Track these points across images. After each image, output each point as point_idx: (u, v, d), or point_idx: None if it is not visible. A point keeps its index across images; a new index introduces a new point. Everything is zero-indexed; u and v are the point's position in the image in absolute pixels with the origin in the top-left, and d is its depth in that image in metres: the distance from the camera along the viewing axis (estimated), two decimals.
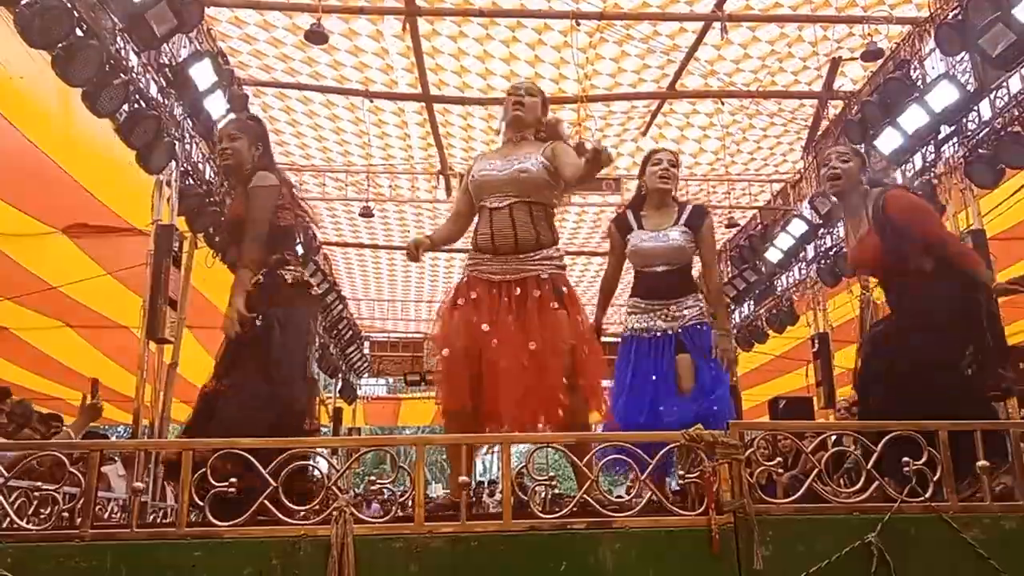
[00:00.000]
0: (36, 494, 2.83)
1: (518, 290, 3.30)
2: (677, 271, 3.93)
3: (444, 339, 3.36)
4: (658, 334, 3.89)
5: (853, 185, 3.71)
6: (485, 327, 3.23)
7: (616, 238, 4.12)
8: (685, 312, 3.87)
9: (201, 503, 2.46)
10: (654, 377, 3.81)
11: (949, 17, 6.36)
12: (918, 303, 3.49)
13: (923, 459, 2.59)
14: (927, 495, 2.56)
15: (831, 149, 3.92)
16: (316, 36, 6.58)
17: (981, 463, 2.61)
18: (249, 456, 2.54)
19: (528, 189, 3.39)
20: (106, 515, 5.69)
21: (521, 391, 3.16)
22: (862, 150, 4.21)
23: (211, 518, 2.44)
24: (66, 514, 2.74)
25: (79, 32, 5.10)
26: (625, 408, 3.79)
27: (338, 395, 14.87)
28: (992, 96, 6.53)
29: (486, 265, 3.38)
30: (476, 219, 3.51)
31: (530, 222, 3.36)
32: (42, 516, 2.90)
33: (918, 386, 3.28)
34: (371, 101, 8.29)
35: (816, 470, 2.60)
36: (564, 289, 3.37)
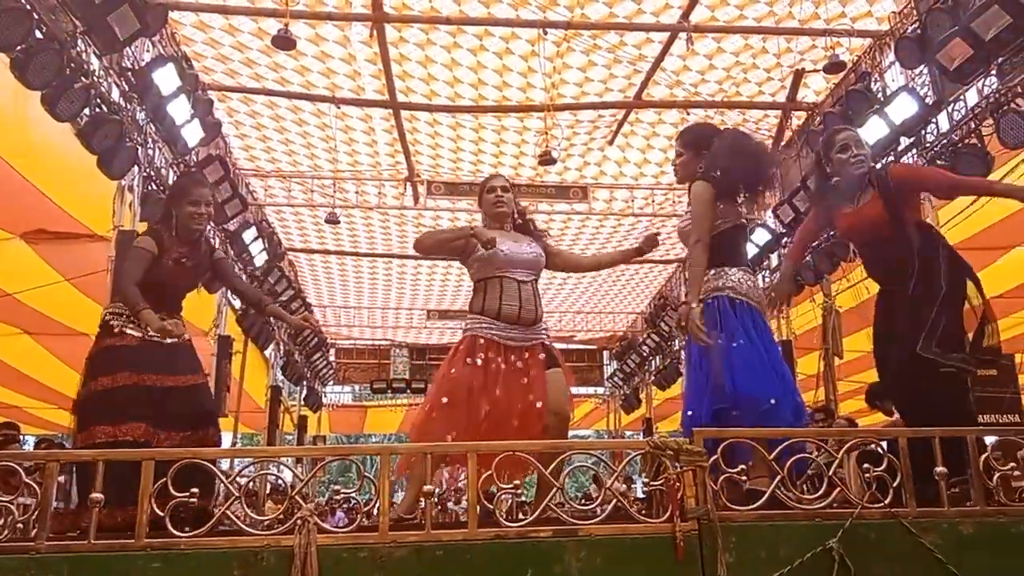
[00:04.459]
0: None
1: (527, 354, 3.76)
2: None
3: (452, 389, 3.65)
4: None
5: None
6: (497, 391, 3.62)
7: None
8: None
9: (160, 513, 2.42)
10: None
11: (909, 31, 6.50)
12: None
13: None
14: (888, 499, 2.60)
15: (847, 134, 3.94)
16: (283, 41, 6.53)
17: (939, 469, 2.67)
18: (212, 466, 2.51)
19: (540, 271, 4.01)
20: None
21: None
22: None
23: (171, 529, 2.40)
24: (20, 526, 2.67)
25: (38, 34, 5.01)
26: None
27: (303, 403, 14.73)
28: (950, 109, 6.67)
29: (503, 332, 3.74)
30: (490, 288, 3.81)
31: (539, 299, 3.91)
32: None
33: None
34: (338, 107, 8.26)
35: (779, 476, 2.62)
36: (555, 352, 3.93)
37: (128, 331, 3.80)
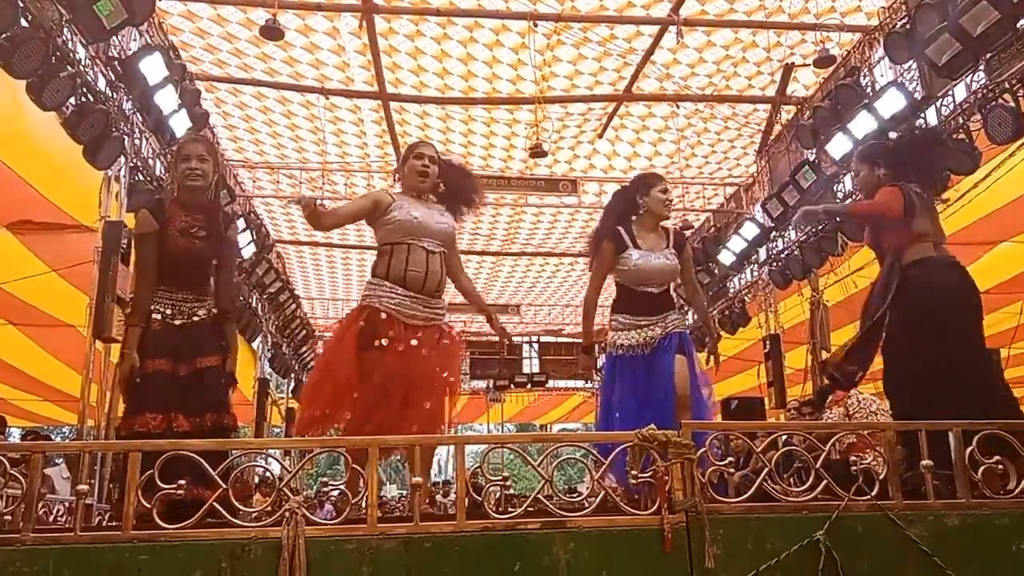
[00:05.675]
0: None
1: (420, 333, 3.62)
2: (667, 290, 4.14)
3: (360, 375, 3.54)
4: (647, 350, 3.95)
5: (871, 186, 3.93)
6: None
7: (609, 253, 4.07)
8: (671, 323, 4.01)
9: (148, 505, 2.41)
10: (645, 392, 3.87)
11: (897, 26, 6.52)
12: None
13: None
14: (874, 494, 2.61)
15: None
16: (271, 32, 6.50)
17: (925, 462, 2.68)
18: (200, 459, 2.50)
19: (450, 244, 3.84)
20: (51, 518, 5.55)
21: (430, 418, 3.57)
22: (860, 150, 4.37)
23: (158, 520, 2.39)
24: (8, 518, 2.65)
25: (23, 23, 4.97)
26: (621, 424, 3.80)
27: (291, 395, 14.68)
28: (938, 104, 6.70)
29: (405, 305, 3.59)
30: (396, 253, 3.65)
31: (445, 271, 3.78)
32: None
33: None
34: (327, 98, 8.22)
35: (766, 469, 2.63)
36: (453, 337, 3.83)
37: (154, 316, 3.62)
